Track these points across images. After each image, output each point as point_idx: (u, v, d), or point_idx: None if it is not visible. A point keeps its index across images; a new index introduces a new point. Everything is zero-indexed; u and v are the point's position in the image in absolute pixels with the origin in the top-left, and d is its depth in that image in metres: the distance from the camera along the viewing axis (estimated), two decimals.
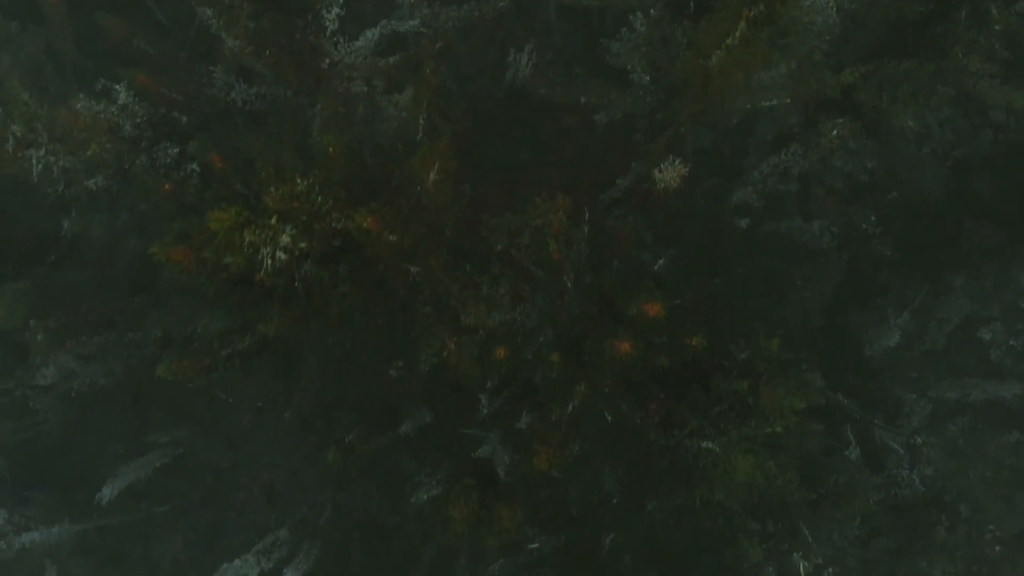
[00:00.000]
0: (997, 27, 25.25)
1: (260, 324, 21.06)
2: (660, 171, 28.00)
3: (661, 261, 30.66)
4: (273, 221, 19.40)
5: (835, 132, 27.01)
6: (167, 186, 24.14)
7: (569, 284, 28.01)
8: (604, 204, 34.34)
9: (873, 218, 34.69)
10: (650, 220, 31.96)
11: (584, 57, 38.78)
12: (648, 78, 28.34)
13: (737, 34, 21.43)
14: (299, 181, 21.28)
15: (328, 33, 28.79)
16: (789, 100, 26.82)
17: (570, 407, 27.96)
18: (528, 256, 27.37)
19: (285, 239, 20.10)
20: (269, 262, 20.36)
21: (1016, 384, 34.44)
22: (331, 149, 21.74)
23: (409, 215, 22.31)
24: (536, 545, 31.99)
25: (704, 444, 25.59)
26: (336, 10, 26.74)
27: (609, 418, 28.46)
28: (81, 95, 26.77)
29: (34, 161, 27.15)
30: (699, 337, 24.08)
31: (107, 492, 36.01)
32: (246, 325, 23.69)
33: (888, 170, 32.24)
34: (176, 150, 28.47)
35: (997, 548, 31.48)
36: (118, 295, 35.62)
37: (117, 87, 27.60)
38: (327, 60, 29.13)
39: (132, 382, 41.12)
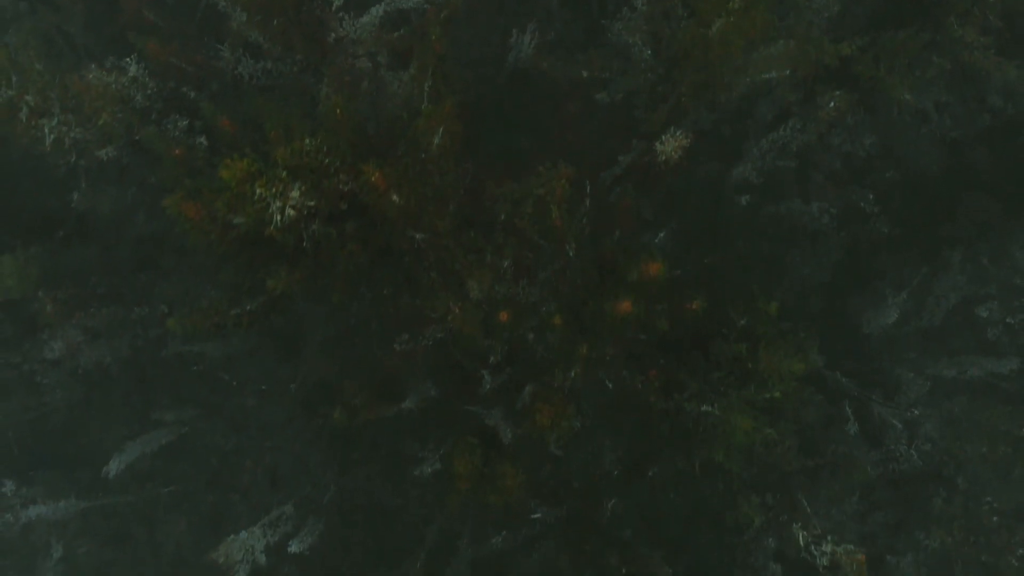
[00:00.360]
0: None
1: (269, 280, 21.48)
2: (661, 143, 28.48)
3: (661, 234, 31.10)
4: (283, 175, 19.86)
5: (832, 104, 27.50)
6: (178, 151, 24.61)
7: (571, 253, 28.46)
8: (606, 182, 34.80)
9: (871, 196, 35.15)
10: (651, 195, 32.42)
11: (585, 44, 39.30)
12: (649, 52, 28.85)
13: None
14: (307, 141, 21.77)
15: (334, 8, 29.39)
16: (788, 72, 27.30)
17: (572, 373, 28.39)
18: (531, 225, 27.83)
19: (294, 194, 20.56)
20: (279, 217, 20.83)
21: (1013, 359, 34.85)
22: (338, 111, 22.22)
23: (414, 177, 22.77)
24: (538, 515, 32.34)
25: (704, 408, 25.99)
26: None
27: (610, 385, 28.87)
28: (93, 65, 27.29)
29: (47, 131, 27.62)
30: (699, 300, 24.51)
31: (113, 466, 36.34)
32: (255, 286, 24.14)
33: (885, 146, 32.72)
34: (185, 122, 28.95)
35: (995, 519, 31.83)
36: (125, 271, 36.06)
37: (128, 59, 28.12)
38: (333, 35, 29.69)
39: (137, 364, 41.48)
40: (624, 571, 26.12)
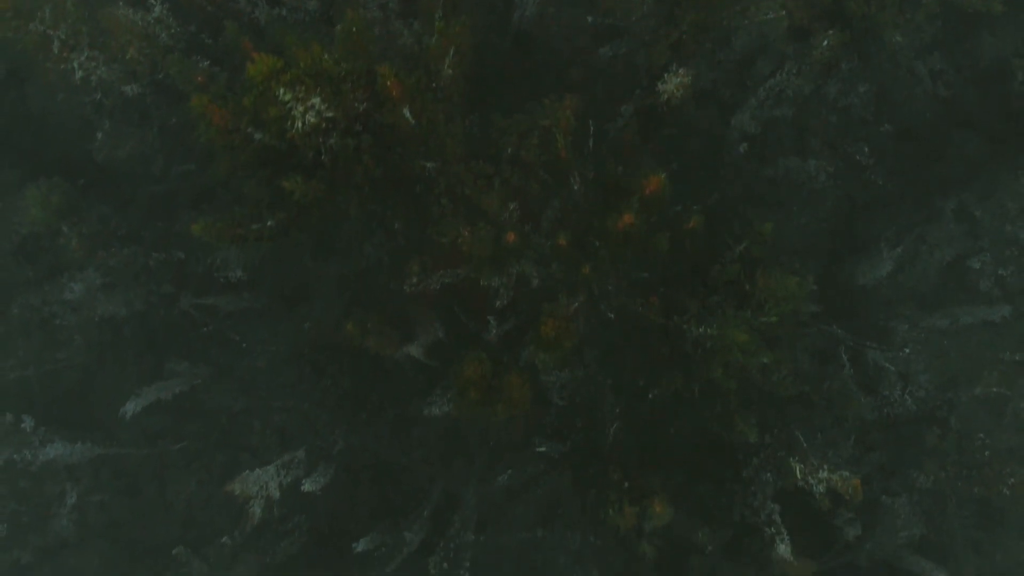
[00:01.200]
0: None
1: (286, 181, 22.62)
2: (664, 81, 29.65)
3: (663, 175, 32.18)
4: (306, 79, 21.08)
5: (826, 43, 28.71)
6: (200, 77, 25.88)
7: (576, 187, 29.60)
8: (609, 133, 36.03)
9: (866, 149, 36.28)
10: (653, 140, 33.57)
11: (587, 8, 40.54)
12: None
13: None
14: (326, 57, 23.03)
15: None
16: (784, 15, 28.52)
17: (576, 303, 29.48)
18: (537, 158, 28.99)
19: (315, 100, 21.76)
20: (300, 124, 22.01)
21: (1005, 306, 35.84)
22: (354, 29, 23.47)
23: (426, 93, 23.98)
24: (543, 449, 33.28)
25: (702, 329, 27.02)
26: None
27: (612, 316, 29.91)
28: (121, 3, 28.66)
29: (75, 66, 29.00)
30: (696, 218, 25.59)
31: (130, 407, 37.35)
32: (275, 203, 25.30)
33: (880, 93, 33.89)
34: (206, 63, 30.31)
35: (987, 453, 32.72)
36: (143, 218, 37.22)
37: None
38: None
39: (149, 324, 42.40)
40: (626, 485, 27.06)
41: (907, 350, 33.76)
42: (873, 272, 38.04)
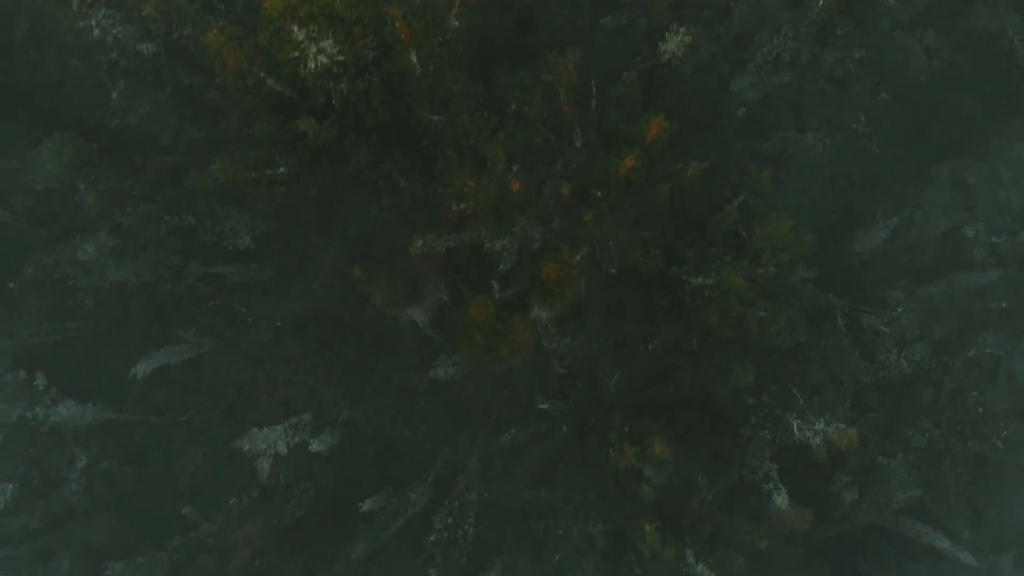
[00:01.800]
0: None
1: (299, 122, 23.42)
2: (664, 41, 30.42)
3: (662, 116, 32.80)
4: (320, 18, 21.92)
5: (821, 3, 29.54)
6: (214, 30, 26.70)
7: (578, 144, 30.39)
8: (612, 97, 36.85)
9: (863, 118, 37.06)
10: (655, 103, 34.35)
11: None
12: None
13: None
14: (338, 4, 23.89)
15: None
16: None
17: (578, 256, 30.21)
18: (540, 113, 29.77)
19: (326, 43, 22.59)
20: (313, 65, 22.83)
21: (996, 271, 36.49)
22: None
23: (433, 38, 24.78)
24: (546, 406, 33.90)
25: (700, 279, 27.74)
26: None
27: (613, 271, 30.64)
28: None
29: (93, 24, 29.87)
30: (694, 164, 26.34)
31: (140, 369, 38.06)
32: (287, 149, 26.08)
33: (875, 59, 34.68)
34: (221, 22, 31.19)
35: (980, 410, 33.34)
36: (153, 185, 38.03)
37: None
38: None
39: (157, 297, 42.97)
40: (626, 429, 27.67)
41: (900, 309, 34.43)
42: (869, 241, 38.69)
